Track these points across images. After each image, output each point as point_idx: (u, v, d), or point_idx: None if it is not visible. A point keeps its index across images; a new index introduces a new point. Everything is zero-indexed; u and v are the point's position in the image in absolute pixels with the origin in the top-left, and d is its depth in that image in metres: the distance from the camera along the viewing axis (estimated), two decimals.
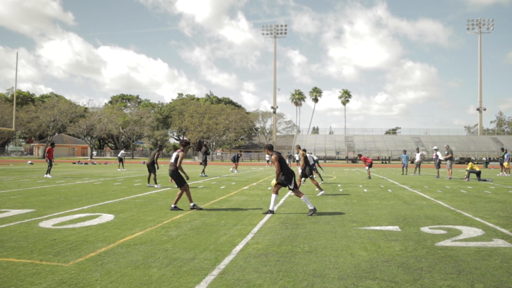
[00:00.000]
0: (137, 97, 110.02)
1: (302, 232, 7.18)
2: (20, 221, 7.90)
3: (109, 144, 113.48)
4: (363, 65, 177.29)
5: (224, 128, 79.58)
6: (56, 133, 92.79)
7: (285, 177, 9.14)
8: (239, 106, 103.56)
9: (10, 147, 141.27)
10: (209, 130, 79.33)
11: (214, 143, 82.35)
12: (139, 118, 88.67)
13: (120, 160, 32.29)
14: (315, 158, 19.57)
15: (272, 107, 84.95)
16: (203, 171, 24.05)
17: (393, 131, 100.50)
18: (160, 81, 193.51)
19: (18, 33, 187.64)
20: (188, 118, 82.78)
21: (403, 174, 27.24)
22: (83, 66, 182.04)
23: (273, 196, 9.22)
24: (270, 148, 9.45)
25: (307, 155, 15.33)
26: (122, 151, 33.11)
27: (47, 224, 7.63)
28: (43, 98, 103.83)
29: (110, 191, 13.97)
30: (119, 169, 30.82)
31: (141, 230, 7.17)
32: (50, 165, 21.65)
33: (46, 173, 21.20)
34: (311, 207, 9.11)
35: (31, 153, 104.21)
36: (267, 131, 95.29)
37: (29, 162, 46.28)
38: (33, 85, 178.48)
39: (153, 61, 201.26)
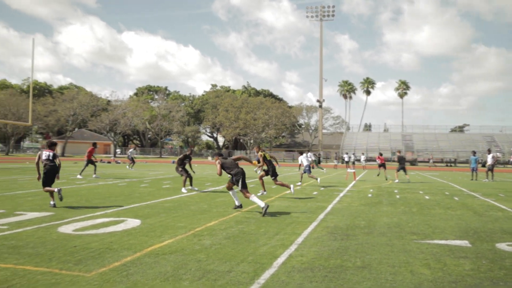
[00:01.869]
0: (166, 88, 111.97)
1: (353, 244, 7.10)
2: (37, 225, 8.18)
3: (134, 141, 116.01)
4: (425, 51, 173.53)
5: (263, 124, 79.82)
6: (76, 128, 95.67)
7: (234, 177, 10.57)
8: (280, 99, 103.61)
9: (26, 143, 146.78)
10: (246, 126, 79.77)
11: (251, 141, 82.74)
12: (167, 112, 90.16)
13: (131, 159, 33.15)
14: (312, 158, 20.79)
15: (317, 101, 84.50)
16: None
17: (460, 129, 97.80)
18: (191, 71, 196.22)
19: (34, 17, 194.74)
20: (223, 112, 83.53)
21: (472, 179, 26.49)
22: (106, 54, 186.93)
23: (230, 192, 10.93)
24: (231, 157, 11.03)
25: (304, 154, 18.27)
26: (132, 150, 33.93)
27: (67, 229, 7.87)
28: (61, 89, 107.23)
29: (136, 194, 14.27)
30: (132, 169, 31.68)
31: (170, 238, 7.28)
32: (91, 164, 22.86)
33: (94, 173, 22.87)
34: (237, 203, 10.95)
35: None
36: (312, 128, 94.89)
37: None
38: (51, 75, 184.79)
39: (183, 48, 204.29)
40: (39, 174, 11.42)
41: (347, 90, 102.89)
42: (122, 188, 16.21)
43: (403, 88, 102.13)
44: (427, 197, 15.08)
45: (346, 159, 47.98)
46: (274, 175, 14.17)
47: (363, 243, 7.22)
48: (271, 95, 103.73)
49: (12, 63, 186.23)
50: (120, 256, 6.07)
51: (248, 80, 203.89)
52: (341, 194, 15.64)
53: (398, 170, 23.87)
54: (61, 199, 10.87)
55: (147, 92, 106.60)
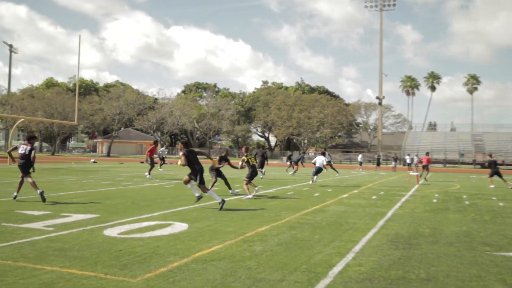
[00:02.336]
0: (215, 85, 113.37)
1: (416, 254, 6.93)
2: (83, 227, 8.45)
3: (182, 141, 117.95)
4: (500, 41, 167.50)
5: (318, 123, 79.38)
6: (122, 128, 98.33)
7: (194, 172, 11.62)
8: (336, 97, 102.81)
9: (71, 143, 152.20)
10: (299, 126, 79.58)
11: (305, 141, 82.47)
12: (216, 111, 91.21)
13: (162, 159, 33.76)
14: (325, 161, 21.24)
15: (377, 97, 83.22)
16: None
17: None
18: (241, 67, 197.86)
19: (80, 13, 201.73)
20: (275, 110, 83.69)
21: None
22: (153, 49, 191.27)
23: (188, 185, 11.99)
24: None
25: (318, 157, 19.66)
26: (163, 148, 34.50)
27: (112, 232, 8.08)
28: (107, 87, 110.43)
29: (183, 196, 14.51)
30: (161, 169, 32.26)
31: (219, 243, 7.34)
32: (152, 164, 23.36)
33: (148, 173, 22.90)
34: (197, 194, 11.86)
35: (94, 150, 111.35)
36: (371, 127, 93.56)
37: (92, 160, 49.44)
38: (96, 72, 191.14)
39: (233, 43, 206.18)
40: (12, 159, 13.48)
41: (410, 85, 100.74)
42: (169, 190, 16.51)
43: (473, 83, 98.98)
44: (501, 204, 14.55)
45: (408, 161, 47.06)
46: (250, 178, 14.93)
47: (427, 253, 7.03)
48: (326, 92, 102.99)
49: (59, 61, 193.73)
50: (167, 261, 6.17)
51: (302, 76, 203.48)
52: (403, 199, 15.33)
53: (491, 176, 23.03)
54: (43, 200, 11.93)
55: (196, 89, 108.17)
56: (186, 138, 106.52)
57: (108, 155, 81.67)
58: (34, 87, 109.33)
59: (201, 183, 11.59)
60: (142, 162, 51.17)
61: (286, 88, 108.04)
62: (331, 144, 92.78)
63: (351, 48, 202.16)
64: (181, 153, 11.79)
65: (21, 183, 12.64)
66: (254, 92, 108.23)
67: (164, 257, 6.36)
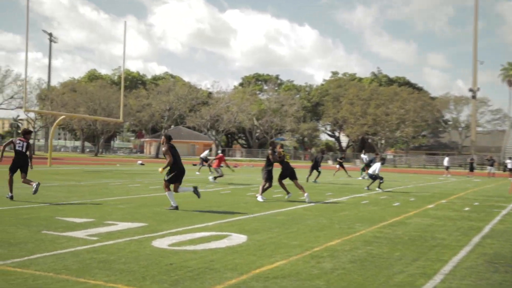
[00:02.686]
0: (277, 77, 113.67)
1: None
2: (130, 237, 8.66)
3: (240, 141, 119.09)
4: None
5: (398, 121, 78.04)
6: (172, 126, 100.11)
7: (175, 173, 12.79)
8: (420, 89, 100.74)
9: (116, 142, 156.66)
10: (375, 123, 78.56)
11: (383, 141, 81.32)
12: (279, 106, 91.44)
13: (205, 161, 34.12)
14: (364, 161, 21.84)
15: (470, 90, 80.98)
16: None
17: None
18: (307, 55, 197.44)
19: None
20: (347, 106, 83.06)
21: None
22: (206, 36, 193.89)
23: (167, 193, 12.89)
24: (168, 137, 12.93)
25: (362, 156, 21.46)
26: (207, 152, 34.94)
27: (162, 243, 8.24)
28: (156, 79, 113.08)
29: (241, 204, 14.63)
30: (198, 173, 33.09)
31: (283, 259, 7.34)
32: (219, 172, 24.49)
33: (212, 178, 24.16)
34: (173, 204, 12.75)
35: (142, 151, 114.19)
36: (462, 125, 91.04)
37: (139, 162, 50.65)
38: (143, 63, 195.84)
39: (298, 28, 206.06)
40: (2, 155, 14.28)
41: None
42: (225, 197, 16.68)
43: None
44: None
45: (509, 166, 45.50)
46: (281, 177, 16.46)
47: None
48: (408, 84, 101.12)
49: (102, 51, 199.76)
50: (223, 277, 6.22)
51: (379, 66, 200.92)
52: (504, 212, 14.85)
53: None
54: (34, 192, 13.75)
55: (255, 82, 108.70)
56: (244, 137, 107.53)
57: (157, 156, 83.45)
58: (76, 80, 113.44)
59: (175, 182, 12.99)
60: (195, 165, 51.98)
61: (360, 79, 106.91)
62: (413, 145, 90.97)
63: (438, 31, 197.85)
64: (164, 148, 12.78)
65: (11, 181, 14.21)
66: (322, 85, 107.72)
67: (220, 273, 6.42)
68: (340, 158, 32.86)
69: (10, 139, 14.59)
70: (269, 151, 16.41)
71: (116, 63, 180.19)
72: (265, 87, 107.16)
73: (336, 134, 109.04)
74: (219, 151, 27.70)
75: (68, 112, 71.04)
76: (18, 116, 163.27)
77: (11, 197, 13.90)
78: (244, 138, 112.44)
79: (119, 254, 7.29)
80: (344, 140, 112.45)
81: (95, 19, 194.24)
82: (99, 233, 8.97)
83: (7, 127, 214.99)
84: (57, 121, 43.46)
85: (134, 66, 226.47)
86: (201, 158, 34.82)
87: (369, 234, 9.83)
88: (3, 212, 11.45)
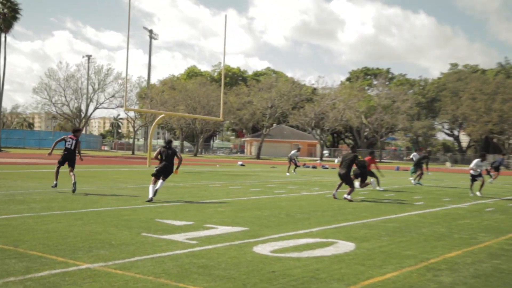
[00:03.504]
0: (388, 71, 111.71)
1: None
2: (230, 242, 8.80)
3: (347, 140, 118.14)
4: None
5: None
6: (274, 124, 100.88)
7: (159, 169, 15.21)
8: None
9: (216, 142, 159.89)
10: (502, 121, 75.31)
11: (510, 141, 77.87)
12: (390, 103, 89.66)
13: (293, 161, 33.75)
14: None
15: None
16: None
17: None
18: (423, 46, 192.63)
19: None
20: (468, 101, 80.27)
21: None
22: (311, 29, 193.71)
23: (150, 186, 14.94)
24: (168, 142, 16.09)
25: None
26: (294, 151, 34.42)
27: (263, 249, 8.31)
28: (257, 75, 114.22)
29: (348, 209, 14.51)
30: (288, 173, 33.07)
31: (395, 270, 7.21)
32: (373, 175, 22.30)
33: (377, 185, 22.40)
34: (151, 196, 14.64)
35: (242, 151, 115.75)
36: None
37: (240, 163, 51.34)
38: (244, 58, 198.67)
39: (412, 16, 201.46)
40: (52, 150, 16.96)
41: None
42: (330, 201, 16.59)
43: None
44: None
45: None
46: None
47: None
48: None
49: (202, 47, 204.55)
50: None
51: (507, 55, 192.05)
52: None
53: None
54: (73, 191, 15.68)
55: (363, 76, 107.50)
56: (352, 137, 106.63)
57: (258, 157, 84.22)
58: (175, 77, 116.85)
59: (156, 176, 15.15)
60: (305, 165, 52.16)
61: (484, 71, 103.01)
62: None
63: None
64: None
65: (58, 172, 16.69)
66: (439, 78, 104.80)
67: (326, 283, 6.38)
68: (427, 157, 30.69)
69: (62, 137, 17.12)
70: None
71: (216, 59, 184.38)
72: (375, 82, 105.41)
73: (455, 133, 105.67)
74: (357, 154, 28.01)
75: (167, 111, 73.13)
76: (118, 115, 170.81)
77: (55, 185, 16.34)
78: (351, 137, 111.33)
79: (219, 260, 7.42)
80: (464, 140, 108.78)
81: (195, 14, 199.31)
82: (198, 236, 9.18)
83: (108, 126, 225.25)
84: (156, 120, 44.61)
85: (235, 62, 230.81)
86: (290, 158, 34.54)
87: (496, 246, 9.45)
88: (106, 213, 11.99)
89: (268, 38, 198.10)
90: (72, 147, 16.54)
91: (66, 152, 16.49)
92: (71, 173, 16.27)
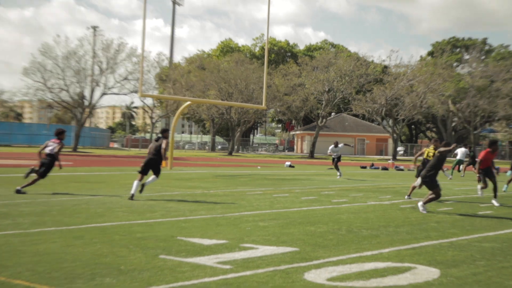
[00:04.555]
0: (484, 41, 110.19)
1: None
2: (274, 266, 8.70)
3: (428, 133, 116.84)
4: None
5: None
6: (333, 113, 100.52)
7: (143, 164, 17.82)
8: None
9: (257, 137, 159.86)
10: None
11: None
12: (487, 83, 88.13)
13: (336, 160, 33.62)
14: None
15: None
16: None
17: None
18: None
19: None
20: None
21: None
22: None
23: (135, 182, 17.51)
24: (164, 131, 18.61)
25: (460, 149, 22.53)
26: (332, 146, 34.29)
27: (318, 276, 8.21)
28: (310, 50, 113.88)
29: (431, 223, 14.32)
30: (339, 176, 33.59)
31: None
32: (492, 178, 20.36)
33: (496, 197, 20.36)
34: (132, 192, 17.20)
35: (291, 148, 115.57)
36: None
37: (288, 163, 51.18)
38: (294, 28, 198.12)
39: None
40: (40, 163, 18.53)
41: None
42: (406, 213, 16.39)
43: None
44: None
45: None
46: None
47: None
48: None
49: (240, 14, 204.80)
50: None
51: None
52: None
53: None
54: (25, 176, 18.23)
55: (451, 49, 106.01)
56: (435, 128, 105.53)
57: (312, 155, 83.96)
58: (206, 54, 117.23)
59: (144, 173, 17.59)
60: (373, 166, 51.91)
61: None
62: None
63: None
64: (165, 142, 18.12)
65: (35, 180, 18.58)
66: None
67: None
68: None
69: (46, 143, 19.07)
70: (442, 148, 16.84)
71: (259, 30, 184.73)
72: (466, 57, 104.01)
73: None
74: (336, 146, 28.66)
75: (195, 97, 73.27)
76: (132, 103, 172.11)
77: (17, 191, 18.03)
78: (434, 129, 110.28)
79: None
80: None
81: None
82: (233, 259, 9.11)
83: (118, 118, 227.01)
84: (180, 109, 44.09)
85: (282, 33, 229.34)
86: (333, 158, 34.45)
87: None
88: (114, 229, 12.05)
89: (325, 3, 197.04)
90: (53, 153, 18.57)
91: (46, 161, 18.61)
92: (37, 181, 18.63)
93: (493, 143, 20.42)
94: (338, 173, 33.70)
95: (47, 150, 18.49)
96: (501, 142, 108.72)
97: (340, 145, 35.00)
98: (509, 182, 25.77)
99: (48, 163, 18.42)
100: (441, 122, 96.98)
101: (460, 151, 33.61)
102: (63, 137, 18.96)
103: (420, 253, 10.22)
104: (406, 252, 10.27)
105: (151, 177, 17.87)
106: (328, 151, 35.46)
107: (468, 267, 9.19)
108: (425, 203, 16.65)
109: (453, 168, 37.07)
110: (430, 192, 16.73)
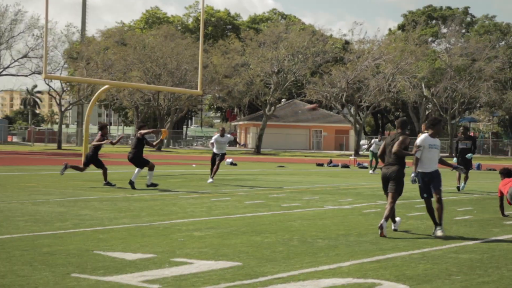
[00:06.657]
0: (465, 11, 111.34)
1: None
2: (211, 285, 8.71)
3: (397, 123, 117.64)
4: None
5: None
6: (283, 99, 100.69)
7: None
8: None
9: (191, 128, 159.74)
10: None
11: None
12: (468, 63, 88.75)
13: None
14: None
15: None
16: None
17: None
18: None
19: None
20: None
21: None
22: None
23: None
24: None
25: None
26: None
27: None
28: (255, 22, 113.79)
29: (399, 231, 14.52)
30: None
31: None
32: None
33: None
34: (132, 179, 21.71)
35: (233, 143, 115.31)
36: None
37: (229, 161, 51.21)
38: None
39: None
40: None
41: None
42: (370, 219, 16.56)
43: None
44: None
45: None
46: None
47: None
48: None
49: None
50: None
51: None
52: None
53: None
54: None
55: (425, 21, 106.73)
56: (406, 117, 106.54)
57: (258, 150, 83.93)
58: (127, 27, 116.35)
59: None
60: (330, 163, 52.26)
61: None
62: None
63: None
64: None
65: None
66: None
67: None
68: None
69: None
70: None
71: None
72: (444, 30, 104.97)
73: None
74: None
75: (114, 80, 72.61)
76: (35, 86, 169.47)
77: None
78: (405, 118, 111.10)
79: None
80: None
81: None
82: (162, 277, 9.13)
83: (18, 105, 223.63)
84: (96, 94, 43.76)
85: (222, 1, 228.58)
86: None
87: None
88: (13, 242, 11.87)
89: None
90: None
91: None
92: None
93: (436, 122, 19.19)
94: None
95: None
96: (483, 134, 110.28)
97: (227, 135, 31.68)
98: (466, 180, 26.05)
99: None
100: (413, 109, 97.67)
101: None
102: None
103: (386, 267, 10.37)
104: (369, 266, 10.41)
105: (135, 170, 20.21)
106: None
107: (443, 282, 9.35)
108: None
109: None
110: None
